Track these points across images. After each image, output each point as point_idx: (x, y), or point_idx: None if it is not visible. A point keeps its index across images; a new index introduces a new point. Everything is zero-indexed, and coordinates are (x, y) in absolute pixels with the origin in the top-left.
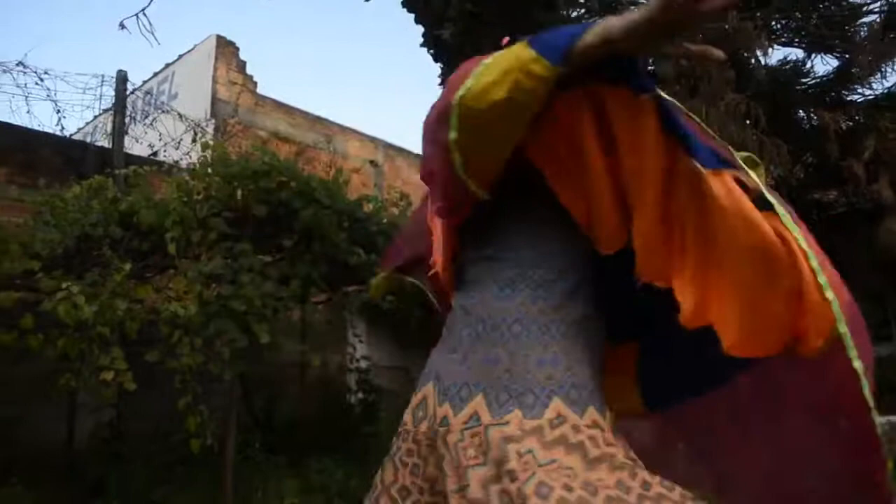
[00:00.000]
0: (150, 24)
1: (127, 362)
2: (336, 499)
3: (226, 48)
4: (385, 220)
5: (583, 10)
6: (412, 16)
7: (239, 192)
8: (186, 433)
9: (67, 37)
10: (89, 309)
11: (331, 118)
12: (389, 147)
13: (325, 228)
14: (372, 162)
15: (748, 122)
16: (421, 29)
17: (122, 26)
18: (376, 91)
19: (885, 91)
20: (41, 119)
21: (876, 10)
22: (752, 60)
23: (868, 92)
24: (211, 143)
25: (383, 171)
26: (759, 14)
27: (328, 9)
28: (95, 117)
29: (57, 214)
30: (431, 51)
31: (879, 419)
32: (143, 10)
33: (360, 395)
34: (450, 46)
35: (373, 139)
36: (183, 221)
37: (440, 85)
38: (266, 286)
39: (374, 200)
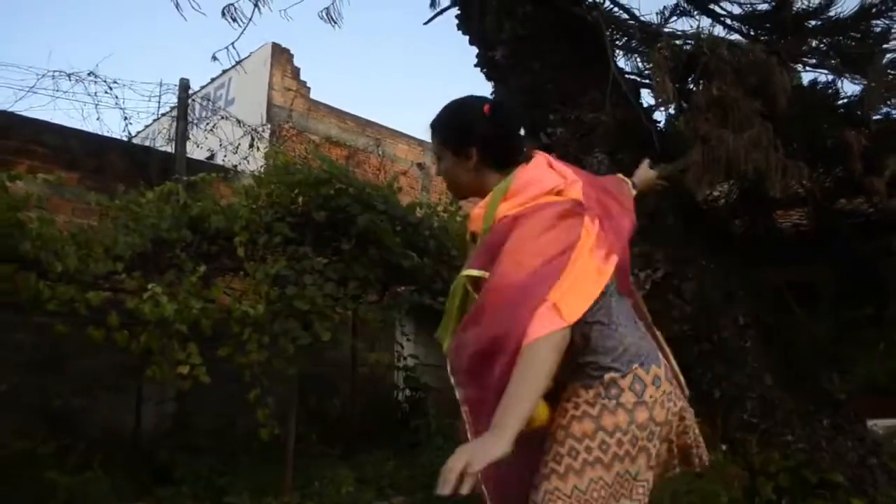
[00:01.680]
0: (238, 53)
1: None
2: (388, 489)
3: (281, 55)
4: (436, 225)
5: (624, 38)
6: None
7: (300, 199)
8: (256, 423)
9: (130, 48)
10: (171, 307)
11: (380, 121)
12: None
13: (381, 233)
14: (419, 165)
15: (774, 147)
16: (475, 50)
17: (214, 58)
18: (425, 94)
19: None
20: (109, 126)
21: None
22: (779, 87)
23: (892, 112)
24: (277, 152)
25: (430, 174)
26: (783, 41)
27: (381, 16)
28: (154, 121)
29: (136, 219)
30: (484, 70)
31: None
32: (231, 43)
33: (408, 392)
34: (502, 67)
35: (420, 142)
36: (249, 226)
37: None
38: (327, 287)
39: (424, 206)
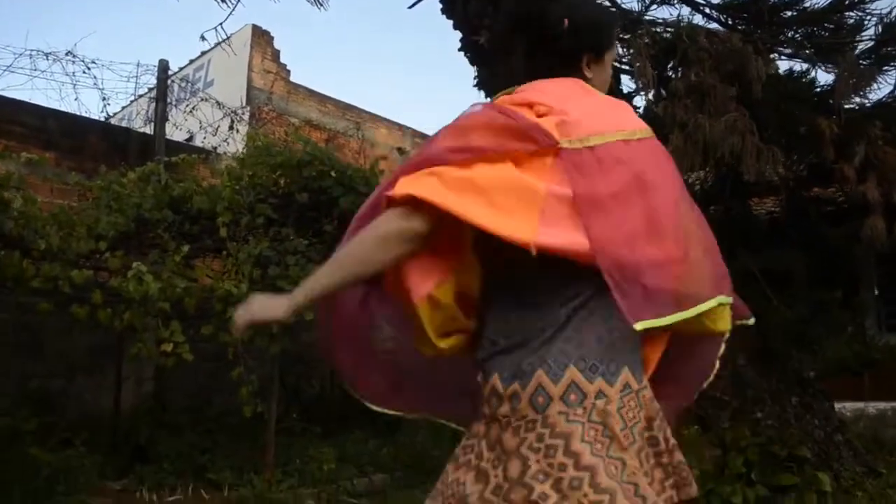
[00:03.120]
0: (225, 32)
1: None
2: (368, 466)
3: (261, 37)
4: None
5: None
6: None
7: (283, 180)
8: (235, 402)
9: (108, 29)
10: (155, 285)
11: (360, 105)
12: (416, 134)
13: None
14: (399, 149)
15: (750, 132)
16: (459, 34)
17: (202, 38)
18: (405, 78)
19: (877, 102)
20: (88, 106)
21: (871, 30)
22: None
23: (864, 101)
24: (258, 133)
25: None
26: (760, 31)
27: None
28: (132, 102)
29: (118, 199)
30: (468, 55)
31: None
32: (220, 24)
33: None
34: (485, 52)
35: (400, 126)
36: (232, 207)
37: (475, 87)
38: (309, 267)
39: None
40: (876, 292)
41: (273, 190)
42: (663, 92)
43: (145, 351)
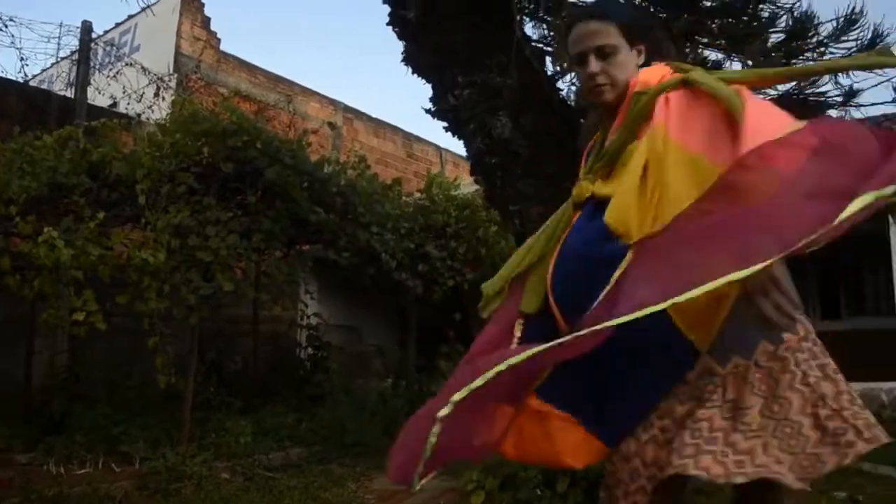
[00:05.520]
0: None
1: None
2: (286, 440)
3: (191, 3)
4: (343, 182)
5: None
6: None
7: (206, 149)
8: (153, 374)
9: None
10: (67, 252)
11: (292, 78)
12: (348, 110)
13: (288, 187)
14: (330, 124)
15: None
16: (387, 8)
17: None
18: (338, 53)
19: (784, 92)
20: (5, 67)
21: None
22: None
23: (773, 92)
24: (184, 100)
25: (341, 134)
26: (680, 19)
27: None
28: (53, 65)
29: (31, 162)
30: (396, 29)
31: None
32: None
33: (310, 350)
34: (413, 26)
35: (332, 101)
36: (152, 174)
37: (402, 62)
38: (230, 238)
39: (333, 163)
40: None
41: (196, 159)
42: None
43: (56, 319)
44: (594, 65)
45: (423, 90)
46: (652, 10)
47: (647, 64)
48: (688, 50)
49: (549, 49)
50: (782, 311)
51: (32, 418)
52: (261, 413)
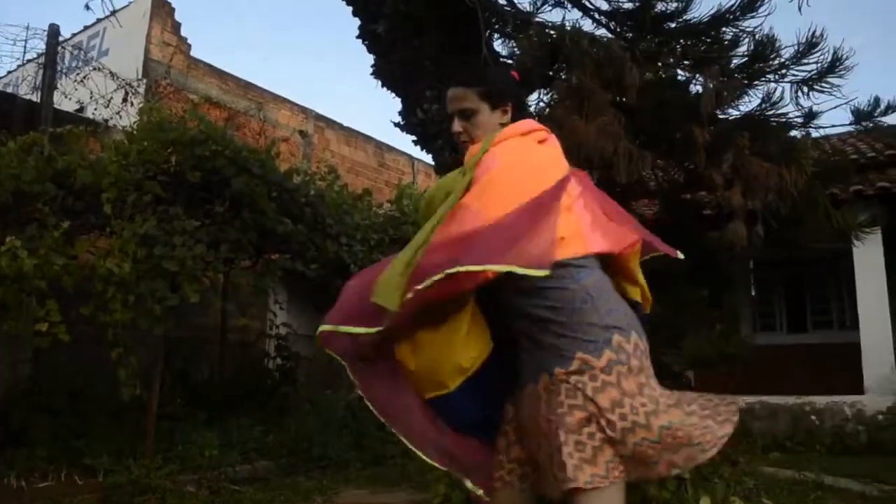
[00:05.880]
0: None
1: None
2: (253, 453)
3: (161, 8)
4: (313, 193)
5: (500, 23)
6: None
7: (174, 158)
8: (117, 386)
9: None
10: (30, 262)
11: (263, 85)
12: (319, 118)
13: (256, 197)
14: (301, 132)
15: (623, 136)
16: (357, 21)
17: (87, 7)
18: (310, 61)
19: (746, 113)
20: None
21: (744, 45)
22: (629, 82)
23: (735, 112)
24: (152, 108)
25: (312, 142)
26: (644, 40)
27: None
28: (19, 66)
29: None
30: (366, 42)
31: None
32: None
33: (279, 360)
34: (383, 41)
35: (303, 109)
36: (118, 183)
37: (372, 75)
38: (197, 248)
39: (302, 173)
40: (753, 293)
41: (163, 167)
42: (550, 92)
43: (18, 329)
44: (457, 125)
45: (394, 101)
46: (619, 30)
47: (516, 118)
48: (651, 74)
49: (515, 63)
50: (571, 338)
51: None
52: (227, 424)
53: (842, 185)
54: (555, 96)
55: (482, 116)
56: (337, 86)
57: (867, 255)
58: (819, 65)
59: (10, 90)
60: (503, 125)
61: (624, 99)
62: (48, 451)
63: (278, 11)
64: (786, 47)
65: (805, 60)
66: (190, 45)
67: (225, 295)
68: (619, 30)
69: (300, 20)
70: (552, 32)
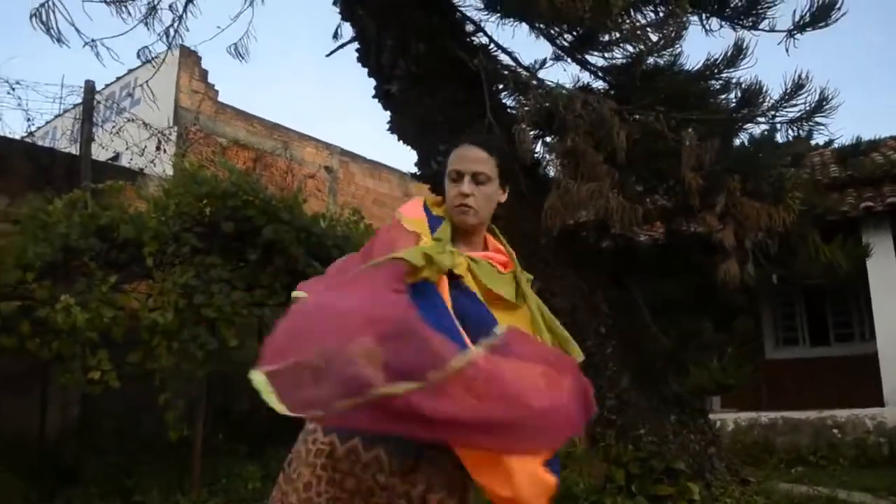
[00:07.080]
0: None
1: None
2: None
3: (188, 57)
4: (339, 234)
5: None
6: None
7: (208, 210)
8: (162, 423)
9: (34, 49)
10: (82, 316)
11: (287, 125)
12: (344, 153)
13: (285, 243)
14: (327, 168)
15: (616, 192)
16: (373, 82)
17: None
18: (333, 98)
19: (738, 157)
20: (12, 128)
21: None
22: (618, 143)
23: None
24: (184, 157)
25: (338, 176)
26: (636, 94)
27: (290, 23)
28: (56, 117)
29: (44, 227)
30: (381, 101)
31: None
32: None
33: None
34: (397, 100)
35: (328, 145)
36: (158, 236)
37: (389, 131)
38: (233, 295)
39: (328, 218)
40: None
41: (198, 219)
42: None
43: (73, 381)
44: (469, 186)
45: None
46: (614, 83)
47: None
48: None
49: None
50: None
51: (46, 469)
52: (267, 456)
53: (833, 215)
54: (552, 158)
55: (491, 188)
56: (361, 116)
57: (880, 268)
58: (807, 104)
59: (48, 140)
60: (498, 204)
61: (614, 156)
62: (100, 489)
63: (298, 52)
64: (774, 88)
65: (793, 101)
66: (217, 91)
67: (260, 335)
68: (614, 83)
69: (323, 59)
70: (546, 103)
